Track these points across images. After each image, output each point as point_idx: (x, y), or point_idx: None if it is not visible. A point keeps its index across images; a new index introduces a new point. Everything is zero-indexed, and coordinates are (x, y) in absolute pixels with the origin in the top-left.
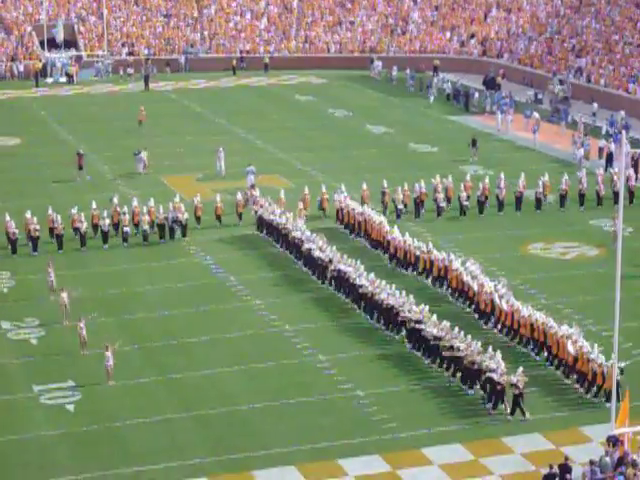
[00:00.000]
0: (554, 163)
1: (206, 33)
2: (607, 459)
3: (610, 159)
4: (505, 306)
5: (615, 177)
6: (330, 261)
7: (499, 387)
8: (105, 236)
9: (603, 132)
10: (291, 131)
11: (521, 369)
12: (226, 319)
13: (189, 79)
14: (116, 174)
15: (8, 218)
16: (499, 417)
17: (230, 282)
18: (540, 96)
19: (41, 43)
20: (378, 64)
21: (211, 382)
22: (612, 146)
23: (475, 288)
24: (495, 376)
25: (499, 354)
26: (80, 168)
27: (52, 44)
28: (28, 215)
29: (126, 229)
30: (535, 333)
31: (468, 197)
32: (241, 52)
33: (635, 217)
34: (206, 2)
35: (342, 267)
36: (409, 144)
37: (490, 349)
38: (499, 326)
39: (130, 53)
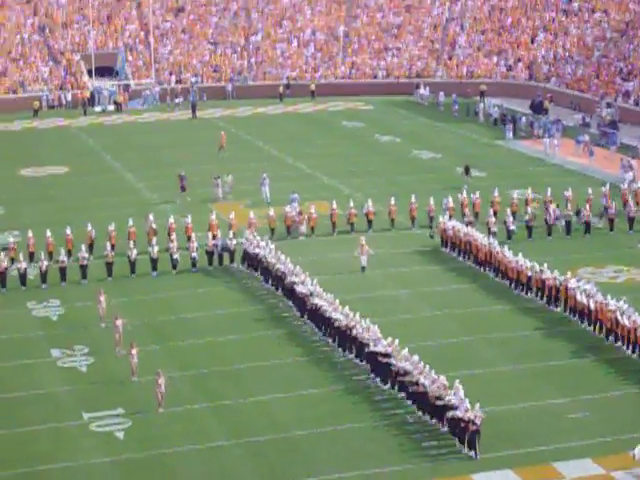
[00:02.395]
0: (603, 187)
1: (253, 60)
2: None
3: None
4: (627, 322)
5: None
6: (311, 294)
7: (463, 424)
8: (154, 263)
9: None
10: (338, 157)
11: (478, 405)
12: (275, 345)
13: (236, 106)
14: (164, 200)
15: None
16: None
17: (279, 308)
18: (588, 120)
19: (89, 72)
20: (425, 90)
21: (261, 409)
22: None
23: (592, 306)
24: (459, 413)
25: (462, 390)
26: (183, 190)
27: (101, 72)
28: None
29: (175, 256)
30: None
31: (513, 221)
32: (287, 79)
33: None
34: (253, 30)
35: (317, 301)
36: (456, 168)
37: (456, 383)
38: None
39: (178, 81)
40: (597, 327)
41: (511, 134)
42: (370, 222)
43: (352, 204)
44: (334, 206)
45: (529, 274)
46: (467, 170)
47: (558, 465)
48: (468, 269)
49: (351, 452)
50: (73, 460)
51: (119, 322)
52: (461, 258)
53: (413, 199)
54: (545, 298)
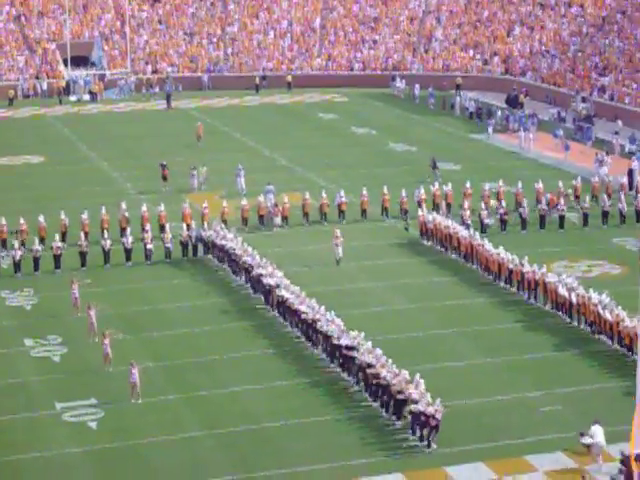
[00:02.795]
0: (574, 180)
1: (229, 51)
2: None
3: (631, 176)
4: (609, 316)
5: (638, 195)
6: (277, 286)
7: (423, 418)
8: (128, 253)
9: (626, 150)
10: (314, 149)
11: (439, 400)
12: (247, 336)
13: (212, 97)
14: (139, 190)
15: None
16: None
17: (252, 299)
18: (563, 114)
19: (64, 61)
20: (401, 82)
21: (234, 400)
22: (634, 163)
23: (574, 300)
24: (420, 407)
25: (422, 384)
26: (164, 179)
27: (77, 62)
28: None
29: (149, 247)
30: None
31: (489, 214)
32: (264, 70)
33: None
34: (229, 20)
35: (284, 293)
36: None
37: (417, 377)
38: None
39: (154, 71)
40: (579, 321)
41: (491, 129)
42: (342, 213)
43: (324, 195)
44: (307, 196)
45: (510, 267)
46: (434, 164)
47: (530, 458)
48: (448, 262)
49: (322, 444)
50: (46, 450)
51: (92, 312)
52: (442, 250)
53: (385, 190)
54: (525, 291)
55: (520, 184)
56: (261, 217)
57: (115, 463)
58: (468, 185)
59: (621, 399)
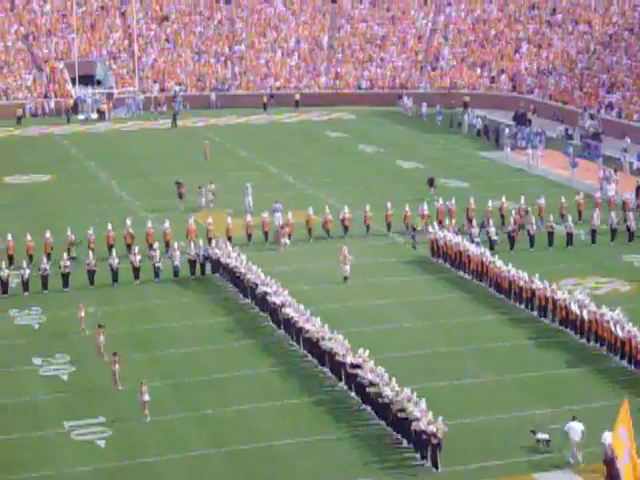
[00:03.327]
0: (586, 198)
1: (237, 70)
2: None
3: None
4: (621, 333)
5: None
6: (283, 305)
7: (425, 437)
8: (136, 272)
9: (634, 167)
10: (322, 167)
11: (440, 418)
12: (256, 355)
13: (220, 116)
14: (147, 208)
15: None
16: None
17: (260, 317)
18: (571, 132)
19: (72, 80)
20: (408, 101)
21: (241, 418)
22: None
23: (585, 317)
24: (421, 425)
25: (423, 402)
26: (180, 197)
27: (84, 81)
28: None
29: (158, 264)
30: None
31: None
32: (271, 89)
33: None
34: (237, 39)
35: (288, 311)
36: (440, 180)
37: (414, 397)
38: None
39: (161, 89)
40: (591, 338)
41: (509, 149)
42: (346, 228)
43: (328, 210)
44: (310, 212)
45: (521, 284)
46: (431, 182)
47: (538, 476)
48: (458, 279)
49: (329, 462)
50: (54, 469)
51: (100, 331)
52: (452, 268)
53: (389, 206)
54: (536, 309)
55: (523, 199)
56: (266, 233)
57: None
58: (472, 201)
59: (633, 415)
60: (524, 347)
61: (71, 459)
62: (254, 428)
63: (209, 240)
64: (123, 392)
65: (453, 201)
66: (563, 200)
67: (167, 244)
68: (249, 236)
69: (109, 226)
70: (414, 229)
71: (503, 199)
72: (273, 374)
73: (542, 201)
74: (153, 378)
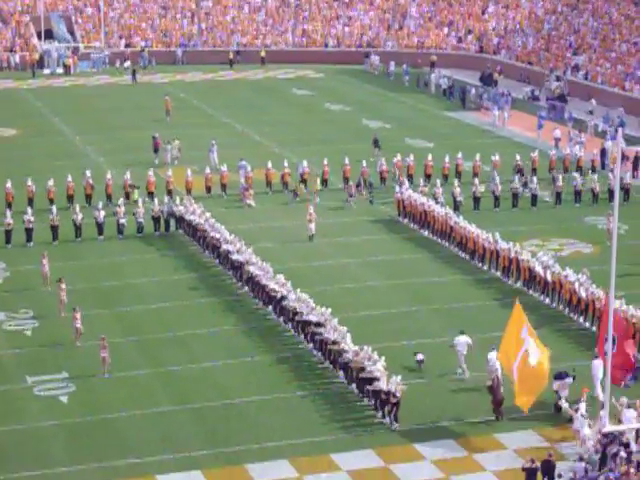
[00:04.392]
0: (532, 153)
1: (203, 25)
2: (595, 457)
3: (604, 156)
4: (584, 294)
5: (610, 174)
6: (246, 262)
7: (384, 396)
8: (100, 228)
9: (599, 129)
10: (288, 125)
11: (399, 377)
12: (220, 312)
13: (186, 72)
14: (112, 164)
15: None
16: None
17: (222, 275)
18: (537, 93)
19: (38, 34)
20: (375, 58)
21: (205, 375)
22: (607, 143)
23: (549, 278)
24: (381, 384)
25: (382, 361)
26: (155, 151)
27: (49, 35)
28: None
29: (122, 221)
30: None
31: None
32: (238, 45)
33: (630, 215)
34: None
35: (252, 269)
36: (405, 139)
37: (375, 355)
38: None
39: (127, 45)
40: (555, 299)
41: (503, 115)
42: (305, 182)
43: (286, 164)
44: (269, 166)
45: (485, 245)
46: (376, 143)
47: (500, 436)
48: (423, 239)
49: (293, 420)
50: (17, 423)
51: (62, 286)
52: (417, 228)
53: (347, 161)
54: (500, 270)
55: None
56: (223, 186)
57: (87, 437)
58: (430, 158)
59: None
60: (488, 308)
61: (34, 414)
62: (218, 385)
63: (169, 192)
64: (87, 348)
65: (411, 157)
66: (518, 158)
67: (127, 194)
68: (208, 189)
69: (69, 177)
70: (371, 184)
71: (477, 157)
72: (237, 332)
73: (497, 158)
74: (117, 334)
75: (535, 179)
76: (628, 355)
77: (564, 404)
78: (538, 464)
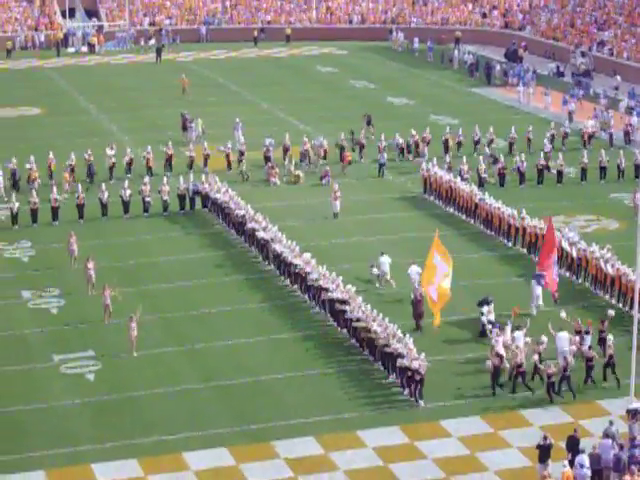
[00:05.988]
0: (576, 136)
1: (227, 3)
2: (613, 428)
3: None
4: (611, 270)
5: (636, 150)
6: (272, 240)
7: (409, 373)
8: (126, 206)
9: (624, 105)
10: (312, 102)
11: (423, 355)
12: (245, 290)
13: (210, 49)
14: (138, 143)
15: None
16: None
17: (250, 252)
18: (562, 69)
19: (62, 13)
20: (400, 35)
21: (231, 353)
22: (634, 119)
23: (574, 254)
24: (406, 361)
25: (409, 338)
26: (184, 129)
27: (73, 14)
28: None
29: (147, 199)
30: None
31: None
32: (262, 23)
33: None
34: None
35: (277, 247)
36: (430, 116)
37: (399, 332)
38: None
39: (152, 23)
40: (580, 275)
41: (528, 91)
42: (324, 157)
43: (306, 139)
44: (287, 140)
45: (510, 222)
46: (369, 121)
47: (526, 412)
48: (449, 216)
49: (318, 397)
50: (44, 402)
51: (90, 264)
52: (443, 205)
53: (363, 133)
54: (526, 246)
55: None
56: (241, 154)
57: (113, 415)
58: (448, 129)
59: (622, 353)
60: (513, 284)
61: (60, 392)
62: (243, 363)
63: (190, 165)
64: (113, 326)
65: (427, 130)
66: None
67: (149, 169)
68: (229, 164)
69: (88, 151)
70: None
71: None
72: (262, 309)
73: (513, 134)
74: (143, 312)
75: (560, 155)
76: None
77: (487, 323)
78: (552, 441)
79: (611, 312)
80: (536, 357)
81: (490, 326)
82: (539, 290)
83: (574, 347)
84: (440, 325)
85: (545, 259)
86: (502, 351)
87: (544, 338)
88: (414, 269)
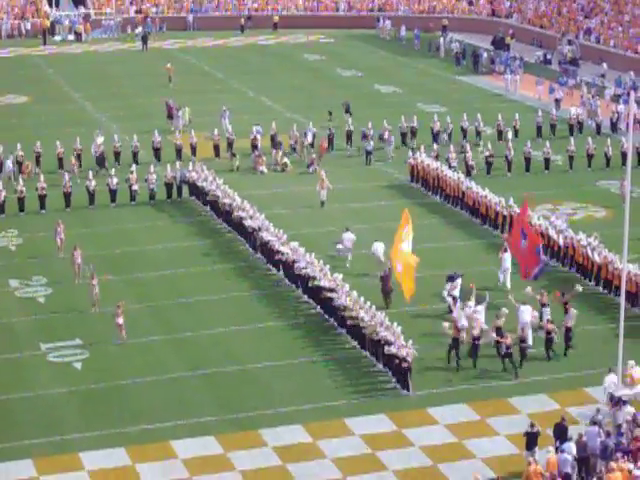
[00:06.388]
0: (563, 124)
1: None
2: (599, 416)
3: (618, 120)
4: (598, 259)
5: (622, 138)
6: (259, 228)
7: (397, 360)
8: (113, 195)
9: (611, 93)
10: (299, 90)
11: (410, 342)
12: (232, 278)
13: (196, 37)
14: (126, 131)
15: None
16: (505, 377)
17: (236, 241)
18: (549, 57)
19: (49, 1)
20: (387, 23)
21: (218, 341)
22: (620, 107)
23: (561, 242)
24: (393, 349)
25: (397, 326)
26: (169, 117)
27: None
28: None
29: (134, 187)
30: (629, 285)
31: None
32: (249, 10)
33: None
34: None
35: (265, 235)
36: (417, 104)
37: (387, 320)
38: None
39: (138, 11)
40: (567, 263)
41: (515, 79)
42: (312, 145)
43: (295, 128)
44: (273, 126)
45: (498, 209)
46: (347, 108)
47: (513, 400)
48: (435, 204)
49: (306, 385)
50: (31, 390)
51: (77, 253)
52: (430, 193)
53: (350, 121)
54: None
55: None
56: (230, 145)
57: (100, 403)
58: (436, 118)
59: (609, 341)
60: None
61: (48, 381)
62: (231, 351)
63: (178, 153)
64: (100, 314)
65: (415, 119)
66: (499, 117)
67: (134, 155)
68: (216, 148)
69: (77, 141)
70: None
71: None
72: (250, 297)
73: (500, 120)
74: (130, 301)
75: (548, 142)
76: (534, 253)
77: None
78: (539, 428)
79: (578, 287)
80: (494, 328)
81: (450, 299)
82: (508, 263)
83: (533, 319)
84: (413, 295)
85: (517, 239)
86: (462, 324)
87: (505, 310)
88: (377, 246)
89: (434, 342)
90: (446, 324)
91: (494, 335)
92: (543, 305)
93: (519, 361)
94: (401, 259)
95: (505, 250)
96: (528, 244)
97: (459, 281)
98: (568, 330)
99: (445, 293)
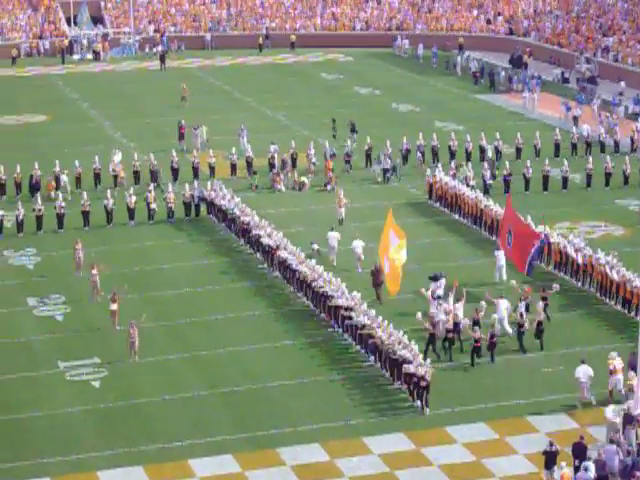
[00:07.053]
0: (581, 142)
1: (232, 10)
2: (618, 435)
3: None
4: (617, 277)
5: None
6: (277, 247)
7: (415, 379)
8: (131, 213)
9: (629, 111)
10: (317, 109)
11: (429, 361)
12: (250, 297)
13: (215, 56)
14: (144, 150)
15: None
16: (522, 396)
17: (254, 260)
18: (567, 75)
19: (67, 20)
20: (404, 42)
21: (236, 359)
22: (638, 125)
23: (580, 261)
24: (411, 368)
25: (414, 344)
26: (181, 137)
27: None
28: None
29: (153, 206)
30: None
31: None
32: (267, 29)
33: None
34: None
35: (283, 254)
36: (435, 122)
37: (405, 339)
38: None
39: (156, 30)
40: (586, 281)
41: (533, 98)
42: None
43: (312, 145)
44: (292, 145)
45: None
46: (353, 128)
47: (531, 419)
48: (454, 223)
49: (323, 404)
50: (49, 409)
51: (95, 271)
52: (448, 211)
53: (368, 140)
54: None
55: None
56: (249, 165)
57: (118, 422)
58: (453, 136)
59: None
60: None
61: (66, 399)
62: (249, 369)
63: (195, 172)
64: (118, 332)
65: (435, 137)
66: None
67: (152, 173)
68: (233, 167)
69: (95, 159)
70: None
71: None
72: (267, 316)
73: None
74: (148, 319)
75: (566, 161)
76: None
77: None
78: (558, 447)
79: (556, 286)
80: (467, 321)
81: (429, 294)
82: (502, 261)
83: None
84: (394, 295)
85: (504, 237)
86: (438, 318)
87: (483, 304)
88: (357, 243)
89: (447, 359)
90: (419, 314)
91: (469, 322)
92: (521, 299)
93: (490, 355)
94: (389, 262)
95: (498, 248)
96: (514, 239)
97: (443, 281)
98: (539, 324)
99: (426, 293)
